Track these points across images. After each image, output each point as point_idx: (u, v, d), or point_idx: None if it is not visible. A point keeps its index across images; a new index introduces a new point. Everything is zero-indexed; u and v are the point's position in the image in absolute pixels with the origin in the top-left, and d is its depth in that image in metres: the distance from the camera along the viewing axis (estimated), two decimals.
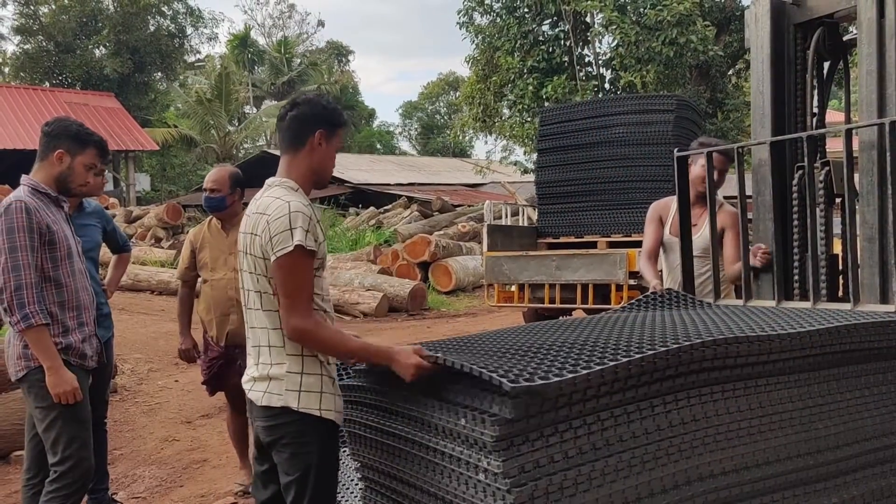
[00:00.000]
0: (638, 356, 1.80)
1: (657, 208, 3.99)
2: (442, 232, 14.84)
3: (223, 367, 3.90)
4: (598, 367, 1.75)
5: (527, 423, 1.72)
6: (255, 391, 2.22)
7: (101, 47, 28.17)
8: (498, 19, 15.96)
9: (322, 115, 2.25)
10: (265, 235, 2.13)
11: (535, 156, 11.84)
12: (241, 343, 3.51)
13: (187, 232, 4.21)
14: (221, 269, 3.87)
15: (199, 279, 4.01)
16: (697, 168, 3.68)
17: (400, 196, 20.06)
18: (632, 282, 6.47)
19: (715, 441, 1.98)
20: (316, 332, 2.12)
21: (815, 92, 3.51)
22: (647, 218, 4.00)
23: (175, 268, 4.86)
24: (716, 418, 1.99)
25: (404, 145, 47.21)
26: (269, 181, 2.29)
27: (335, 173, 2.87)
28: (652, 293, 3.21)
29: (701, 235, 3.71)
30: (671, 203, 3.81)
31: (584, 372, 1.72)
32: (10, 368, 2.92)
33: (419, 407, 2.07)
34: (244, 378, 2.32)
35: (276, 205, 2.15)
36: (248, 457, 4.03)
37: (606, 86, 15.82)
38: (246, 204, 3.16)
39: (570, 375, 1.71)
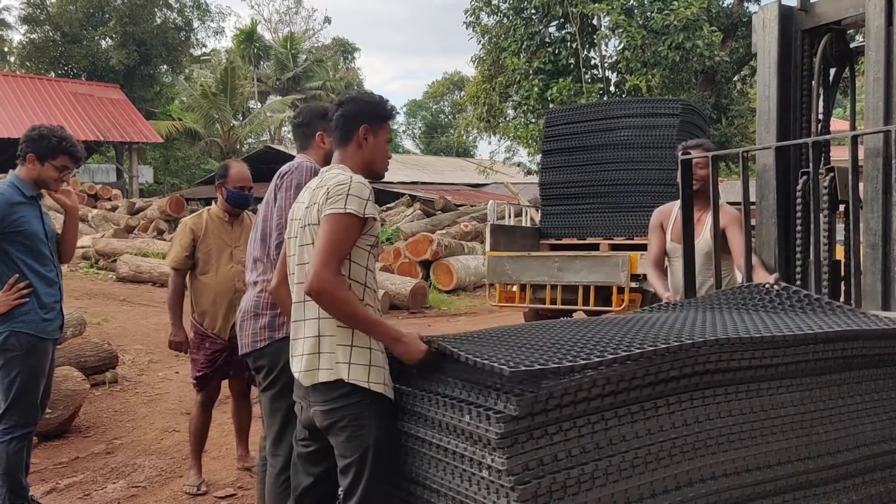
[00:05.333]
0: (624, 354, 1.81)
1: (659, 215, 3.91)
2: (444, 231, 14.86)
3: (227, 359, 3.88)
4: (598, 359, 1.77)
5: (531, 420, 1.73)
6: (307, 372, 2.21)
7: (108, 39, 28.19)
8: (505, 20, 15.99)
9: (365, 112, 2.34)
10: (322, 199, 2.20)
11: (538, 157, 11.85)
12: None
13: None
14: (227, 260, 3.87)
15: (190, 271, 3.93)
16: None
17: (403, 194, 20.07)
18: (633, 284, 6.48)
19: (717, 443, 1.99)
20: (336, 289, 2.09)
21: (821, 98, 3.52)
22: (650, 226, 3.93)
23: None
24: (718, 420, 2.01)
25: (408, 144, 47.27)
26: (323, 169, 2.38)
27: None
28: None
29: (702, 239, 3.66)
30: (672, 208, 3.76)
31: (582, 361, 1.74)
32: (246, 339, 2.93)
33: (423, 403, 2.09)
34: (292, 362, 2.31)
35: (338, 178, 2.22)
36: (199, 454, 4.00)
37: (612, 89, 15.85)
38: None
39: (568, 364, 1.73)
